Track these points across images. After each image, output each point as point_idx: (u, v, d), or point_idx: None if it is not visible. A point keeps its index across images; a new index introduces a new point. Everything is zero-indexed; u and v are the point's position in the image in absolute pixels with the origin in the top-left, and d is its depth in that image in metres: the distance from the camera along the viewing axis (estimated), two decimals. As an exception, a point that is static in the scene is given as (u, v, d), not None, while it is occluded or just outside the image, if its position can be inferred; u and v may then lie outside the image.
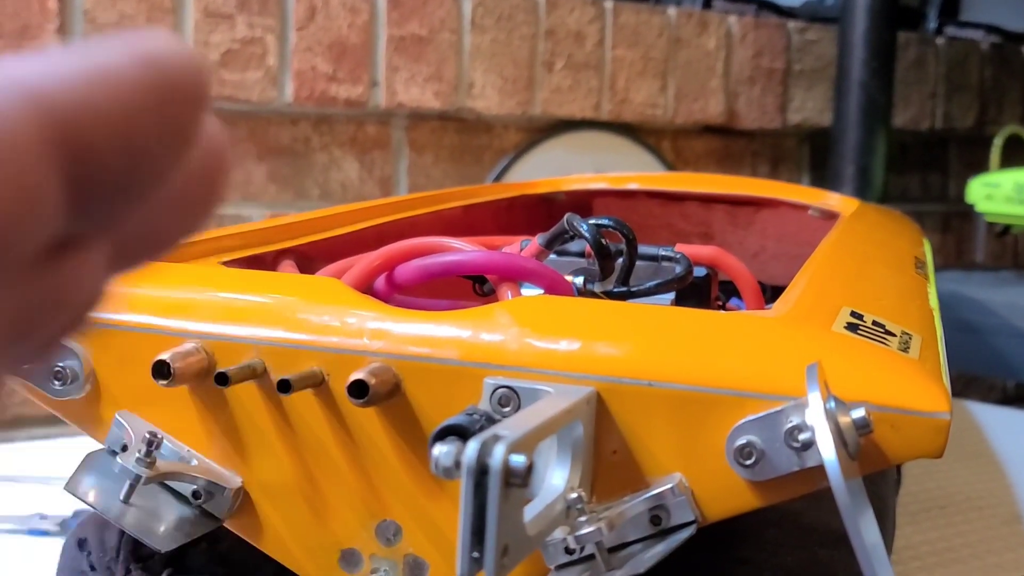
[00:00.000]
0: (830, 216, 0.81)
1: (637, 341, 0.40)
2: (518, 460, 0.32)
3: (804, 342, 0.40)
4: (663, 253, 0.64)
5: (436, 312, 0.43)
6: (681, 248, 0.65)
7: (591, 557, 0.40)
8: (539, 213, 0.90)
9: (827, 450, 0.35)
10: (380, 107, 1.11)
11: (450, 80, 1.14)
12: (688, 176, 0.99)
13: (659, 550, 0.39)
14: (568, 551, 0.40)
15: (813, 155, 1.43)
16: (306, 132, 1.09)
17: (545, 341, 0.41)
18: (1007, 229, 1.23)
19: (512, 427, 0.34)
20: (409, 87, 1.12)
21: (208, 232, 0.57)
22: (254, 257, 0.57)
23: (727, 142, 1.36)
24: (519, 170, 1.20)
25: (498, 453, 0.32)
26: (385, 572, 0.43)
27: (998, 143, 1.29)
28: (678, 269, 0.63)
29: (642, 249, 0.63)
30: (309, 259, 0.62)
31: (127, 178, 0.15)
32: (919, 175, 1.55)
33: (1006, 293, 1.18)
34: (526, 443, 0.34)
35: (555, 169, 1.20)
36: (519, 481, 0.32)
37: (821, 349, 0.39)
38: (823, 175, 1.36)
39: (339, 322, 0.43)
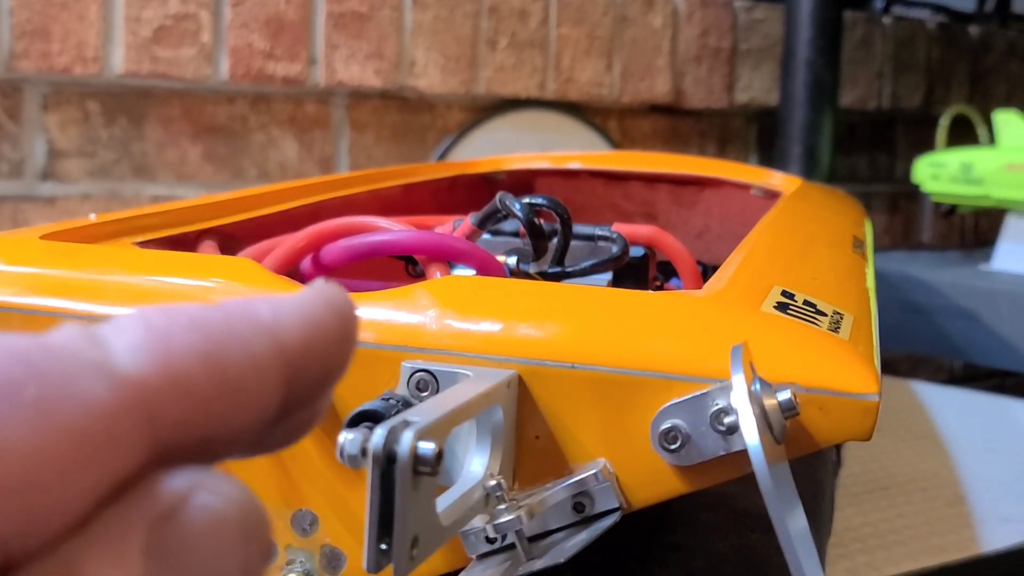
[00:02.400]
0: (772, 195, 0.80)
1: (560, 322, 0.39)
2: (427, 447, 0.31)
3: (731, 322, 0.39)
4: (599, 233, 0.63)
5: (352, 293, 0.41)
6: (618, 228, 0.64)
7: (512, 546, 0.38)
8: (480, 193, 0.88)
9: (750, 434, 0.34)
10: (319, 85, 1.09)
11: (391, 58, 1.12)
12: (631, 155, 0.97)
13: (582, 538, 0.38)
14: (489, 540, 0.39)
15: (760, 135, 1.43)
16: (243, 111, 1.07)
17: (465, 322, 0.39)
18: (953, 209, 1.22)
19: (423, 413, 0.33)
20: (349, 65, 1.10)
21: (126, 211, 0.55)
22: (174, 238, 0.55)
23: (674, 122, 1.35)
24: (463, 150, 1.18)
25: (406, 440, 0.31)
26: (301, 563, 0.42)
27: (944, 123, 1.29)
28: (614, 249, 0.62)
29: (577, 228, 0.62)
30: (235, 240, 0.60)
31: (311, 395, 0.21)
32: (866, 155, 1.55)
33: (952, 273, 1.18)
34: (437, 429, 0.32)
35: (499, 149, 1.19)
36: (428, 469, 0.31)
37: (748, 329, 0.38)
38: (771, 155, 1.35)
39: (252, 304, 0.41)
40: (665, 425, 0.37)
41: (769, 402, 0.35)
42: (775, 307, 0.41)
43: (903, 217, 1.59)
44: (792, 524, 0.34)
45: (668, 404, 0.37)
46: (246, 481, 0.41)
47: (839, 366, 0.37)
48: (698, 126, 1.37)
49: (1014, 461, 0.85)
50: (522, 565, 0.37)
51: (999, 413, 1.00)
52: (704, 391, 0.37)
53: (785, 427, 0.35)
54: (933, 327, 1.15)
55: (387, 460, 0.31)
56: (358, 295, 0.41)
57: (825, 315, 0.42)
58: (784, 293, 0.43)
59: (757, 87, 1.39)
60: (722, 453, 0.37)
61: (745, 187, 0.84)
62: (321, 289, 0.22)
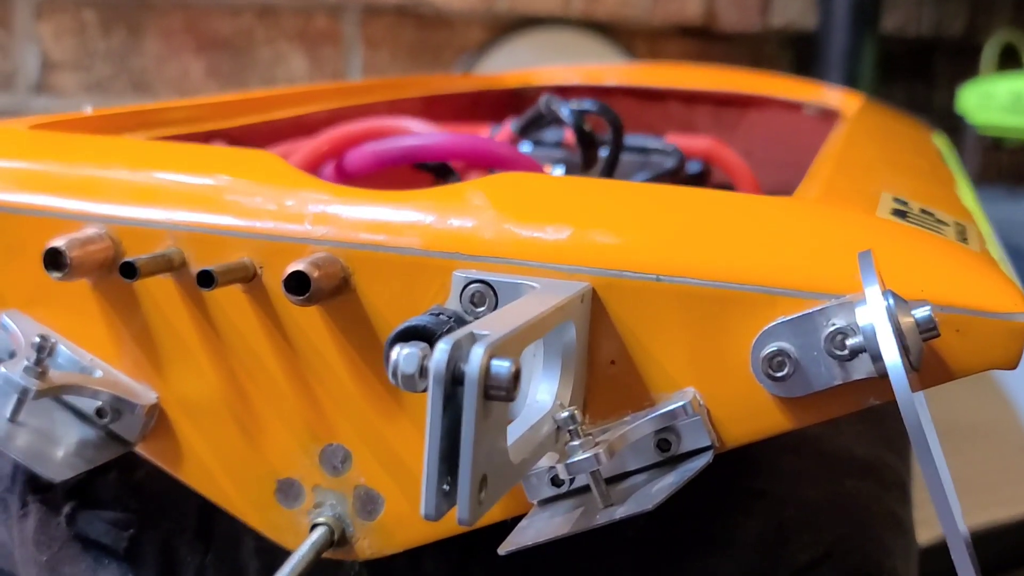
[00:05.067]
0: (829, 115, 0.73)
1: (642, 227, 0.33)
2: (502, 366, 0.25)
3: (847, 229, 0.32)
4: (652, 145, 0.57)
5: (394, 192, 0.35)
6: (672, 139, 0.57)
7: (585, 489, 0.33)
8: (506, 110, 0.82)
9: (891, 355, 0.28)
10: (331, -2, 1.02)
11: (408, -30, 1.05)
12: (671, 69, 0.91)
13: (669, 482, 0.32)
14: (555, 483, 0.33)
15: (797, 61, 1.35)
16: (249, 24, 1.00)
17: (528, 227, 0.33)
18: (999, 142, 1.16)
19: (492, 326, 0.27)
20: (363, -24, 1.03)
21: (125, 107, 0.49)
22: (178, 139, 0.49)
23: (705, 46, 1.28)
24: (481, 70, 1.11)
25: (476, 357, 0.25)
26: (331, 507, 0.36)
27: (992, 49, 1.22)
28: (669, 163, 0.56)
29: (629, 139, 0.56)
30: (244, 145, 0.54)
31: None
32: (904, 85, 1.48)
33: (996, 210, 1.12)
34: (511, 346, 0.26)
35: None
36: (503, 394, 0.25)
37: (868, 238, 0.32)
38: (804, 84, 1.28)
39: (275, 204, 0.35)
40: (769, 349, 0.31)
41: (905, 320, 0.29)
42: (892, 214, 0.34)
43: (938, 152, 1.52)
44: (937, 460, 0.28)
45: (773, 324, 0.31)
46: (266, 409, 0.35)
47: (978, 281, 0.31)
48: (730, 51, 1.30)
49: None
50: (599, 512, 0.32)
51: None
52: (818, 308, 0.31)
53: (922, 350, 0.29)
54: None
55: (453, 381, 0.25)
56: (397, 193, 0.35)
57: (947, 225, 0.36)
58: (897, 200, 0.36)
59: (794, 10, 1.32)
60: (838, 383, 0.31)
61: (795, 106, 0.78)
62: None
